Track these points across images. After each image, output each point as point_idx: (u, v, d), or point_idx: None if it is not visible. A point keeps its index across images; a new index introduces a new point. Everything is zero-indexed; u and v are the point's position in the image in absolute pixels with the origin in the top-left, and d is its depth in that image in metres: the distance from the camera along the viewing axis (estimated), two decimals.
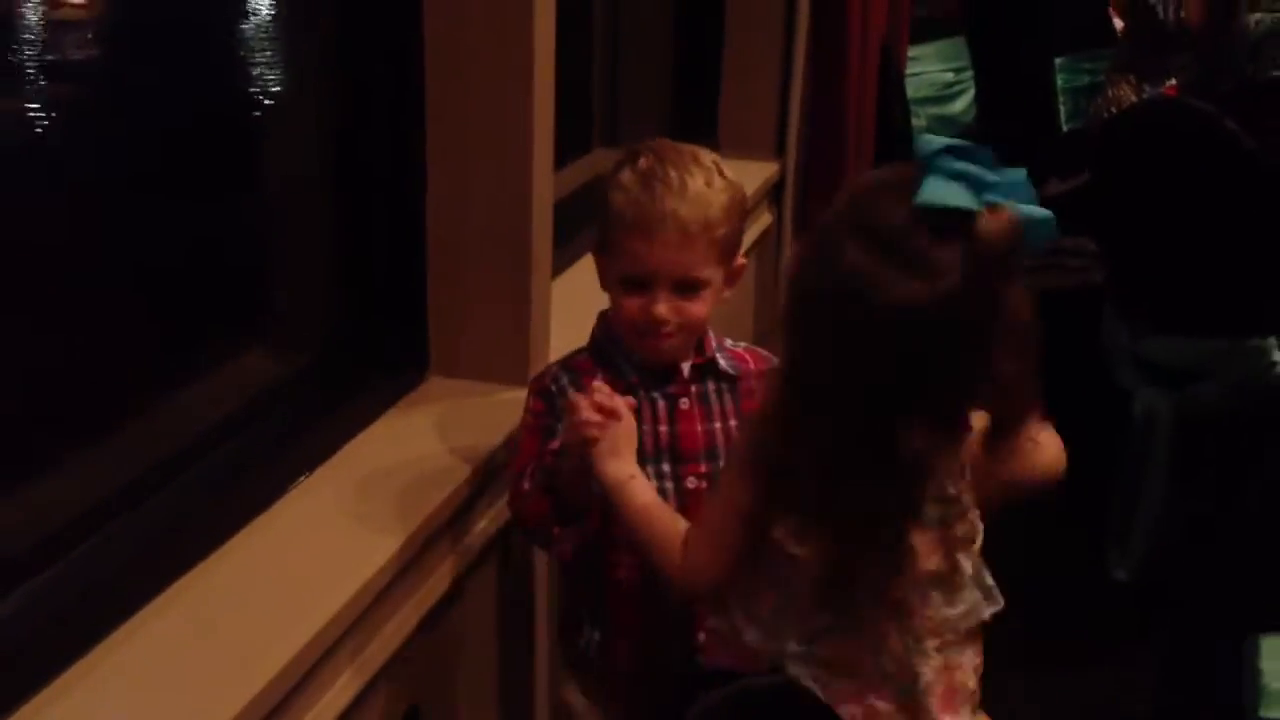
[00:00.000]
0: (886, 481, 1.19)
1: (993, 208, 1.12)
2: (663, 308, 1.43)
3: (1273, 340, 2.60)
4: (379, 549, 1.39)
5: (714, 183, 1.44)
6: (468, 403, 1.74)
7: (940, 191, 1.11)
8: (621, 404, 1.37)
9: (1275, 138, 2.45)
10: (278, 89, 1.60)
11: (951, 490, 1.26)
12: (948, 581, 1.27)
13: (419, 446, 1.62)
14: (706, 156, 1.48)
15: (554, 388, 1.51)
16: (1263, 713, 1.50)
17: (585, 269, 2.24)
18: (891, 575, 1.24)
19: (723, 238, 1.44)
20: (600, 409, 1.36)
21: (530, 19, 1.65)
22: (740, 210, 1.48)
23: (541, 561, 1.80)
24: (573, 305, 1.98)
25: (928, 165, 1.12)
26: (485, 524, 1.64)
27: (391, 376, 1.75)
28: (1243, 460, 2.62)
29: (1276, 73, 2.45)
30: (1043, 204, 1.13)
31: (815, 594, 1.24)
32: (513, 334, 1.76)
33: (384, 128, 1.71)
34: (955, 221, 1.11)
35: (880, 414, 1.15)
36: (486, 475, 1.61)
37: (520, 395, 1.73)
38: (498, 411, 1.70)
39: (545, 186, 1.76)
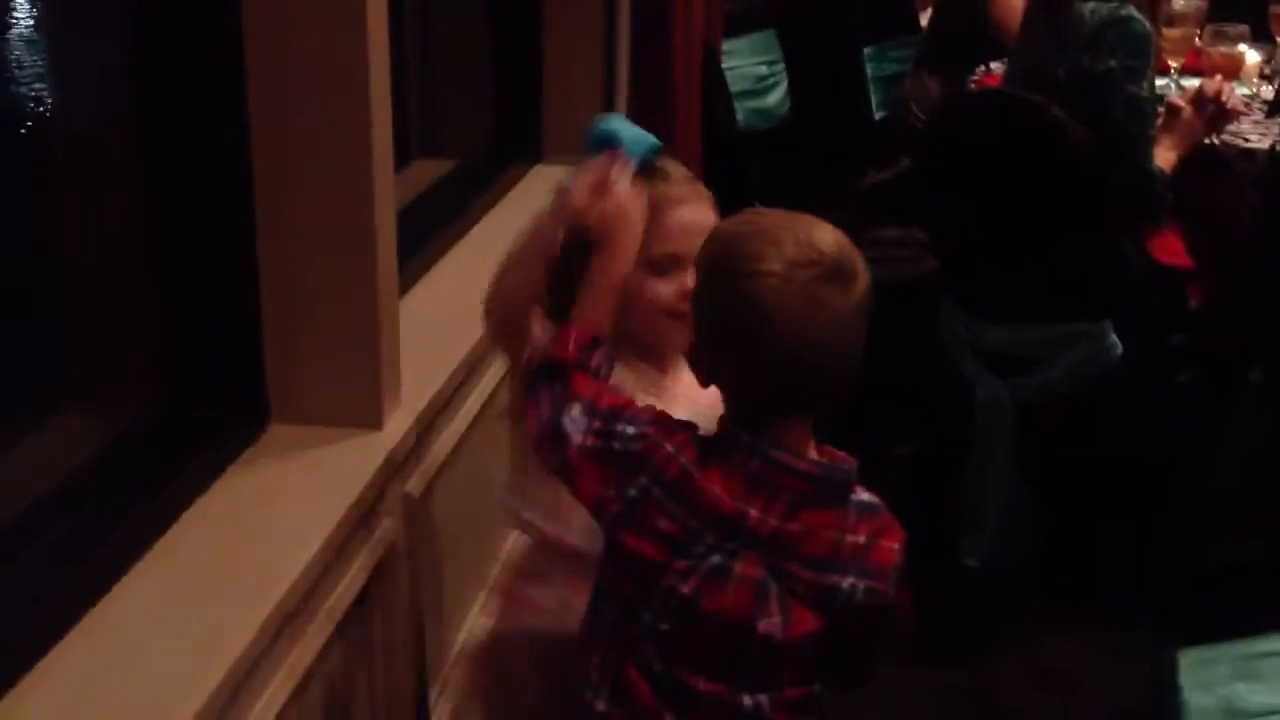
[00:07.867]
0: None
1: None
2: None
3: (1107, 324, 2.62)
4: (235, 633, 1.21)
5: None
6: (317, 452, 1.54)
7: None
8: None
9: (1107, 125, 2.46)
10: (81, 109, 1.40)
11: None
12: None
13: (266, 508, 1.43)
14: None
15: None
16: None
17: (431, 285, 2.08)
18: None
19: None
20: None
21: (363, 21, 1.48)
22: None
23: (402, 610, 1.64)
24: (423, 327, 1.81)
25: None
26: (352, 577, 1.47)
27: (226, 431, 1.52)
28: (1085, 444, 2.63)
29: (1113, 63, 2.44)
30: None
31: None
32: (362, 367, 1.58)
33: (200, 145, 1.50)
34: None
35: None
36: (349, 531, 1.43)
37: (375, 438, 1.55)
38: (351, 458, 1.53)
39: (386, 199, 1.59)
